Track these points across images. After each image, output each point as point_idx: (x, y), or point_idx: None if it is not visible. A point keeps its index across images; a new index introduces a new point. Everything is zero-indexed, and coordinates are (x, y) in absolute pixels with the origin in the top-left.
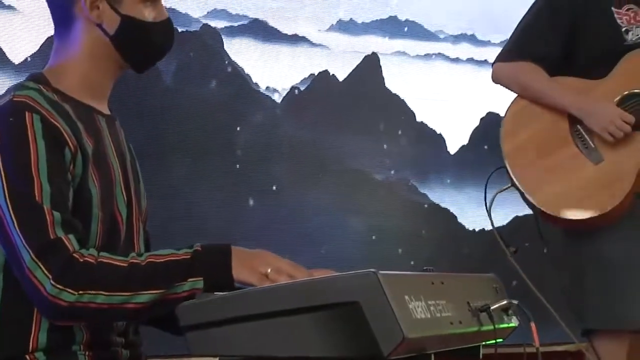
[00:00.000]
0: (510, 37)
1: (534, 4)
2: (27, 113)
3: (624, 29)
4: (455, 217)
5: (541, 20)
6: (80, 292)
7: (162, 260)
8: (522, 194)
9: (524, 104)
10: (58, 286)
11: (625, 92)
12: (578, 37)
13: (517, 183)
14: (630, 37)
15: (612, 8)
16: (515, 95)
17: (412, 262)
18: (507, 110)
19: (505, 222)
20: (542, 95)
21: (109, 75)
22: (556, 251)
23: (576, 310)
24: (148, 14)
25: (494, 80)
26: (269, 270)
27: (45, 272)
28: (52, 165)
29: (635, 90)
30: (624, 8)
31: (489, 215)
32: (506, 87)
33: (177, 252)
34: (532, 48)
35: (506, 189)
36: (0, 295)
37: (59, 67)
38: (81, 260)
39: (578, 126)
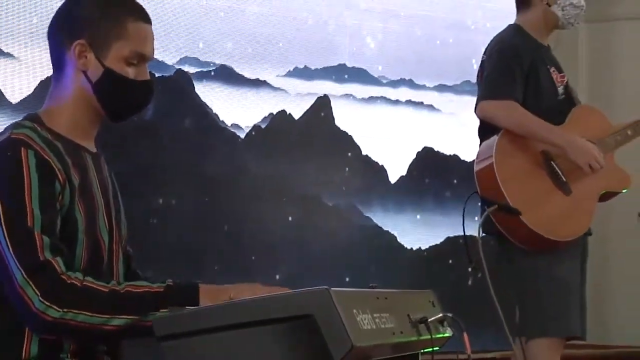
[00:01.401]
0: (490, 80)
1: (503, 54)
2: (22, 149)
3: (557, 86)
4: (395, 237)
5: (513, 68)
6: (65, 309)
7: (139, 290)
8: (514, 216)
9: (509, 138)
10: (45, 303)
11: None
12: (527, 89)
13: (513, 205)
14: (559, 92)
15: (547, 67)
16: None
17: (358, 278)
18: (497, 143)
19: (438, 242)
20: (533, 130)
21: (93, 119)
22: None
23: (527, 317)
24: (130, 72)
25: (480, 114)
26: (232, 294)
27: (35, 289)
28: (44, 195)
29: (584, 139)
30: (551, 69)
31: (479, 233)
32: (494, 122)
33: (152, 285)
34: (512, 91)
35: (493, 209)
36: None
37: (52, 109)
38: (68, 281)
39: (552, 162)
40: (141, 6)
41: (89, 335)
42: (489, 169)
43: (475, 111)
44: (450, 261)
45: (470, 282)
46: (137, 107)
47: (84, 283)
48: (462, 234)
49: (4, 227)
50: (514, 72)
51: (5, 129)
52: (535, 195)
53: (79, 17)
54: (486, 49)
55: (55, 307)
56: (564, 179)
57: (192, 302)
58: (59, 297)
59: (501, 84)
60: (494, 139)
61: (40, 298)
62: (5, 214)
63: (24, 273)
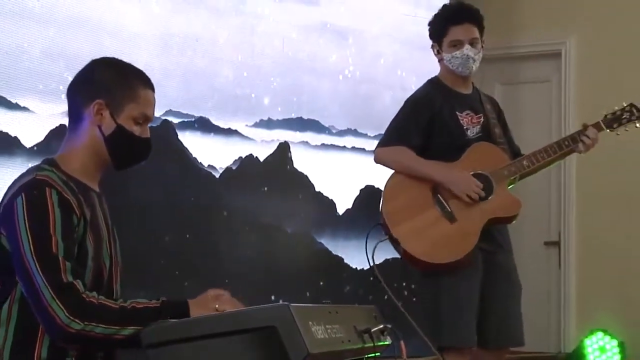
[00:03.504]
0: (387, 129)
1: (404, 105)
2: (47, 188)
3: (465, 128)
4: (343, 259)
5: (409, 118)
6: (86, 322)
7: (141, 306)
8: (397, 244)
9: (399, 178)
10: (70, 317)
11: (471, 172)
12: (433, 132)
13: (394, 236)
14: (469, 133)
15: (457, 112)
16: (391, 172)
17: (313, 293)
18: (387, 182)
19: (378, 262)
20: (416, 169)
21: (100, 165)
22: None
23: (433, 331)
24: (136, 130)
25: (376, 161)
26: (217, 306)
27: (61, 306)
28: (65, 227)
29: (478, 171)
30: (464, 113)
31: (372, 259)
32: (386, 166)
33: (149, 301)
34: (404, 137)
35: (384, 240)
36: (15, 320)
37: (67, 154)
38: (87, 300)
39: (438, 195)
40: (148, 76)
41: (103, 343)
42: (380, 204)
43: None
44: (387, 279)
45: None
46: (138, 159)
47: (99, 301)
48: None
49: (33, 253)
50: (409, 121)
51: (29, 170)
52: (421, 225)
53: (99, 80)
54: None
55: (77, 320)
56: (449, 209)
57: (184, 315)
58: (81, 313)
59: (393, 133)
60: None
61: (65, 313)
62: (34, 242)
63: (51, 292)
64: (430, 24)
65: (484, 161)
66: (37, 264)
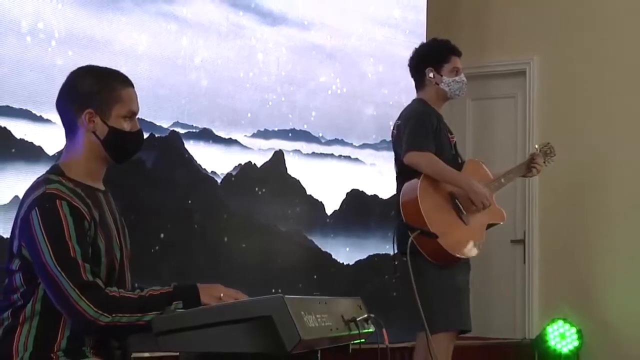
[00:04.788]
0: (411, 135)
1: (415, 117)
2: (57, 200)
3: (452, 144)
4: (331, 255)
5: (425, 126)
6: (113, 315)
7: (157, 293)
8: (434, 239)
9: (428, 182)
10: (98, 312)
11: None
12: (437, 144)
13: (432, 231)
14: (453, 149)
15: (445, 130)
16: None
17: (304, 285)
18: (420, 184)
19: (362, 258)
20: (447, 176)
21: (101, 164)
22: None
23: (432, 316)
24: (126, 126)
25: (407, 162)
26: (222, 295)
27: (88, 303)
28: (78, 233)
29: None
30: (446, 131)
31: (403, 251)
32: (418, 168)
33: (163, 288)
34: (428, 142)
35: (417, 233)
36: (38, 316)
37: (69, 161)
38: (110, 294)
39: (456, 200)
40: (125, 75)
41: (129, 329)
42: (414, 203)
43: (402, 159)
44: (371, 273)
45: (392, 289)
46: (134, 151)
47: (121, 294)
48: (380, 252)
49: (54, 260)
50: (428, 130)
51: (38, 182)
52: (446, 224)
53: (84, 92)
54: (400, 116)
55: (105, 314)
56: (464, 213)
57: (194, 297)
58: (107, 306)
59: (421, 138)
60: (416, 181)
61: (93, 309)
62: (53, 250)
63: (77, 291)
64: (427, 49)
65: (478, 175)
66: (59, 269)
